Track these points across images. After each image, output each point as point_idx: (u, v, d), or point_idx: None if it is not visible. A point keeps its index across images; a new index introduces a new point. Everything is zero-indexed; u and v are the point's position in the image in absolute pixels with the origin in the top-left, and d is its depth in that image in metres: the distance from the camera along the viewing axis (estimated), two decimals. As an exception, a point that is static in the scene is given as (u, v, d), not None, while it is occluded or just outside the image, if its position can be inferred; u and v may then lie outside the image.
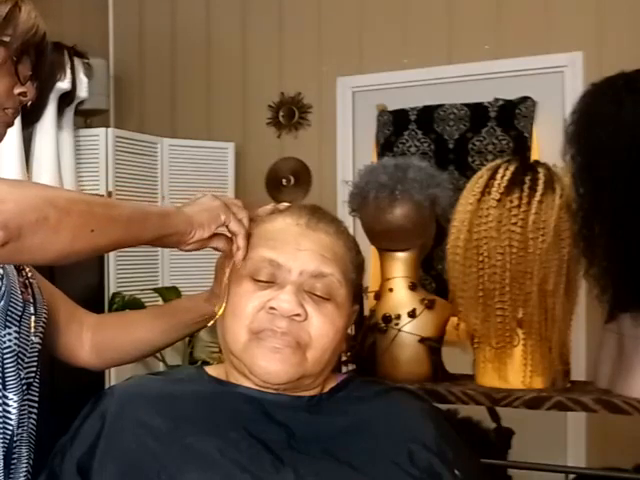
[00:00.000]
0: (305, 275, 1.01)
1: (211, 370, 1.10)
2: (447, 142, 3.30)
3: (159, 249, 3.21)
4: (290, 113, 3.64)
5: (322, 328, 1.01)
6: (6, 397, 1.03)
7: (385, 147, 3.41)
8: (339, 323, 1.03)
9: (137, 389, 1.04)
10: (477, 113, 3.26)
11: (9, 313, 1.04)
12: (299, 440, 0.97)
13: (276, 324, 0.99)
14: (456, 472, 0.98)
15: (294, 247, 1.02)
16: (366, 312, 1.61)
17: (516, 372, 1.38)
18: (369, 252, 1.42)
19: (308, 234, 1.04)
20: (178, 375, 1.11)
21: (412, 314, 1.50)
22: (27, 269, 1.13)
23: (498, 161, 1.42)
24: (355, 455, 0.97)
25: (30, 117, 2.72)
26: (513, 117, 3.21)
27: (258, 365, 0.99)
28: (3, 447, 1.02)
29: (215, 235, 1.03)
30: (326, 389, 1.07)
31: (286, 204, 1.15)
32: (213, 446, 0.94)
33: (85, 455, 0.97)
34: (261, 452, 0.94)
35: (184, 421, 0.97)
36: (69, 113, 2.95)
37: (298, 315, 0.99)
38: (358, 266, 1.11)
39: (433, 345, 1.50)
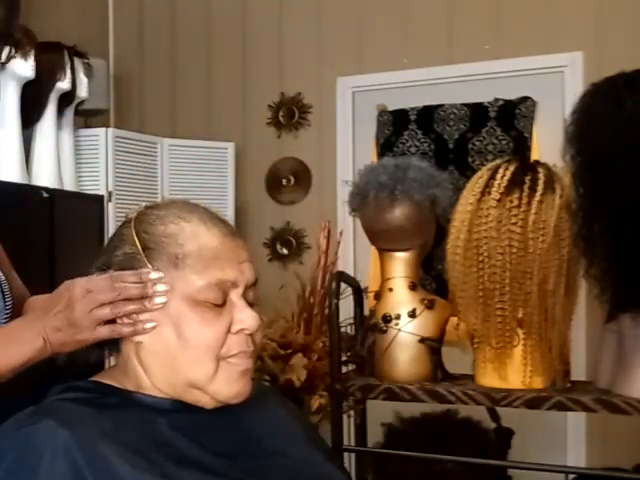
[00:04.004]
0: (247, 286, 0.98)
1: (111, 380, 1.01)
2: (447, 142, 3.30)
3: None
4: (290, 113, 3.64)
5: (261, 334, 1.00)
6: None
7: (385, 147, 3.41)
8: None
9: (79, 425, 0.90)
10: (477, 113, 3.26)
11: None
12: (246, 445, 0.99)
13: (247, 344, 0.96)
14: None
15: (236, 261, 0.97)
16: (366, 312, 1.61)
17: (516, 372, 1.38)
18: (369, 252, 1.43)
19: (235, 243, 0.99)
20: (93, 398, 0.98)
21: (412, 314, 1.50)
22: None
23: (498, 161, 1.42)
24: (284, 447, 1.01)
25: (30, 117, 2.72)
26: (513, 117, 3.21)
27: (232, 390, 0.96)
28: None
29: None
30: None
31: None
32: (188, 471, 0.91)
33: None
34: (228, 465, 0.94)
35: (150, 452, 0.91)
36: (69, 113, 2.95)
37: (258, 327, 0.98)
38: None
39: (433, 345, 1.50)
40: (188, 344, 0.94)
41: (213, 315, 0.95)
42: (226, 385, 0.96)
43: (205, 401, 0.97)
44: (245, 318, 0.96)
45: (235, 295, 0.97)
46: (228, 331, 0.95)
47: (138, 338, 0.96)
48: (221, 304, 0.95)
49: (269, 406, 1.08)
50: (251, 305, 0.98)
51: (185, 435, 0.95)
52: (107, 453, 0.87)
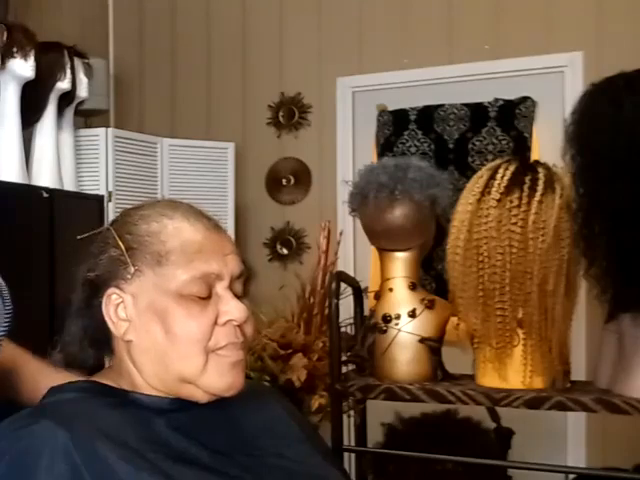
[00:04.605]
0: (233, 278, 0.99)
1: (109, 382, 1.01)
2: (447, 142, 3.30)
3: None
4: (290, 113, 3.64)
5: (252, 325, 1.01)
6: None
7: (385, 147, 3.41)
8: None
9: (74, 424, 0.90)
10: (477, 113, 3.26)
11: None
12: (242, 442, 0.99)
13: (236, 335, 0.97)
14: None
15: (221, 253, 0.98)
16: (366, 312, 1.61)
17: (516, 372, 1.38)
18: (369, 252, 1.43)
19: (219, 236, 1.00)
20: (89, 398, 0.98)
21: (412, 314, 1.50)
22: None
23: (498, 161, 1.42)
24: (282, 446, 1.01)
25: (30, 117, 2.72)
26: (513, 117, 3.21)
27: (224, 382, 0.96)
28: None
29: None
30: None
31: None
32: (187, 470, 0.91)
33: None
34: (226, 462, 0.95)
35: (147, 452, 0.90)
36: (69, 113, 2.95)
37: (247, 318, 0.98)
38: None
39: (433, 345, 1.50)
40: (176, 339, 0.95)
41: (199, 308, 0.95)
42: (217, 377, 0.96)
43: (199, 396, 0.97)
44: (231, 309, 0.96)
45: (221, 287, 0.97)
46: (215, 323, 0.96)
47: (128, 337, 0.97)
48: (207, 297, 0.96)
49: (268, 405, 1.08)
50: (239, 297, 0.99)
51: (183, 434, 0.95)
52: (105, 453, 0.87)
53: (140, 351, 0.97)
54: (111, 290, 0.98)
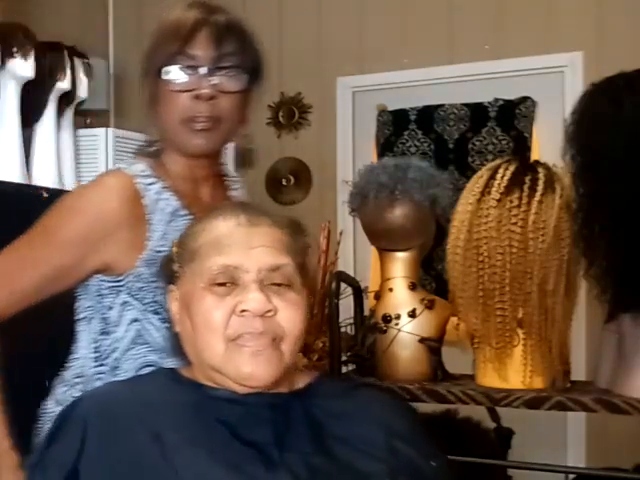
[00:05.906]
0: (263, 271, 1.02)
1: (186, 372, 1.09)
2: (447, 142, 3.30)
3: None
4: (290, 113, 3.64)
5: (292, 317, 1.02)
6: None
7: (385, 147, 3.41)
8: (303, 309, 1.05)
9: (115, 399, 1.03)
10: (477, 113, 3.26)
11: None
12: (285, 438, 0.99)
13: (253, 326, 0.99)
14: (432, 463, 1.03)
15: (245, 247, 1.02)
16: (366, 312, 1.61)
17: (516, 372, 1.38)
18: (369, 252, 1.43)
19: (253, 231, 1.05)
20: (152, 381, 1.10)
21: (412, 314, 1.50)
22: None
23: (498, 161, 1.42)
24: (341, 451, 0.99)
25: (30, 117, 2.72)
26: (513, 117, 3.21)
27: (243, 372, 0.99)
28: None
29: None
30: (298, 385, 1.09)
31: None
32: (203, 456, 0.94)
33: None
34: (252, 454, 0.96)
35: (170, 433, 0.96)
36: (69, 113, 2.95)
37: (269, 311, 1.00)
38: (303, 249, 1.12)
39: (433, 345, 1.50)
40: (197, 328, 1.02)
41: (217, 299, 1.01)
42: (237, 366, 1.00)
43: (233, 386, 1.01)
44: (247, 300, 1.00)
45: (248, 278, 1.01)
46: (233, 312, 1.00)
47: (177, 329, 1.08)
48: (226, 287, 1.01)
49: (346, 408, 1.06)
50: (278, 285, 1.02)
51: (223, 422, 0.98)
52: (121, 431, 0.96)
53: (184, 342, 1.07)
54: (170, 287, 1.09)
